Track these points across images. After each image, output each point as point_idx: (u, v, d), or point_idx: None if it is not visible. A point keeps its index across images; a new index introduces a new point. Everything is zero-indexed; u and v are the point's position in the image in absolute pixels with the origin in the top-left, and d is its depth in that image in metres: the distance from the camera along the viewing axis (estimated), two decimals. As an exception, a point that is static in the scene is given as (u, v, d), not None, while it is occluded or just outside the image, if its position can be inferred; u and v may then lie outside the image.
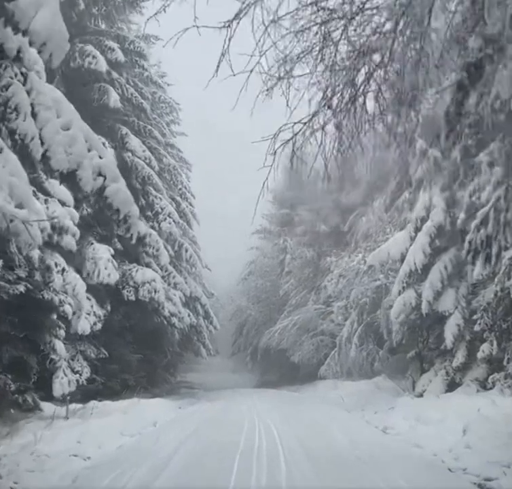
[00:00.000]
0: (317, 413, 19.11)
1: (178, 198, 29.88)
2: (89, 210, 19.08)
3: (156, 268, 23.65)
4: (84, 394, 17.38)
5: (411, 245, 18.66)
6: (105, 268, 18.63)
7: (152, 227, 23.46)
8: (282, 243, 38.94)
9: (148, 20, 7.15)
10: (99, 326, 17.93)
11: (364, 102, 7.34)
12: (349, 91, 7.15)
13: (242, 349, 45.09)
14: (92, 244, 19.40)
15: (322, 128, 7.64)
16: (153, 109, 28.90)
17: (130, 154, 23.06)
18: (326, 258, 29.62)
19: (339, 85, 7.22)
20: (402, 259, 18.97)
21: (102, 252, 18.93)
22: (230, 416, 18.82)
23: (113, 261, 19.22)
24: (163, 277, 24.35)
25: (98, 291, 19.08)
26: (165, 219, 24.72)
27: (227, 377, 50.41)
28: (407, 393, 19.63)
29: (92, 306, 17.71)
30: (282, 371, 39.33)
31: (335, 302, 26.92)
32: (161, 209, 24.77)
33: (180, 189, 30.13)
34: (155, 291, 21.51)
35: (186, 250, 28.04)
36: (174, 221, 25.30)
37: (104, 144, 18.20)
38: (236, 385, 40.26)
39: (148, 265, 22.88)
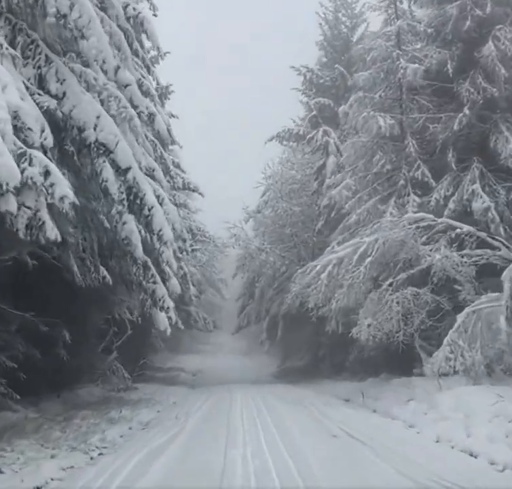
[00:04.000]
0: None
1: None
2: None
3: None
4: None
5: None
6: None
7: None
8: (321, 138, 22.74)
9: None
10: None
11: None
12: None
13: (252, 321, 29.30)
14: None
15: None
16: None
17: None
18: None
19: None
20: None
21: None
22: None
23: None
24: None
25: None
26: None
27: (235, 362, 40.88)
28: None
29: None
30: (316, 354, 27.23)
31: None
32: None
33: None
34: None
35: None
36: None
37: None
38: (243, 376, 29.36)
39: None
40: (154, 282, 12.68)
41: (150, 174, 14.45)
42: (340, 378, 23.31)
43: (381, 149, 16.33)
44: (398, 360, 18.65)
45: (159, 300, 12.70)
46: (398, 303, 13.53)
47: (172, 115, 27.60)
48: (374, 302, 13.09)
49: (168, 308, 12.68)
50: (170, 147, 26.63)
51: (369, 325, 13.92)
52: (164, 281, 15.06)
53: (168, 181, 24.10)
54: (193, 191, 26.61)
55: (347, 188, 16.89)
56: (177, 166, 26.77)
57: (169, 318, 13.11)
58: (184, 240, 19.69)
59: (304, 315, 26.46)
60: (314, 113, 24.80)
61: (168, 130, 19.20)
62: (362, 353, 22.26)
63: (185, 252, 20.29)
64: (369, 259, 12.90)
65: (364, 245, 13.02)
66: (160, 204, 13.32)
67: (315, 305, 14.90)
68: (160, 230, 11.61)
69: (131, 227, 11.82)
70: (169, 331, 13.78)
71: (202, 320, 25.80)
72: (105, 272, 12.25)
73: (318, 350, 27.33)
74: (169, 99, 26.87)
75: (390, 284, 13.15)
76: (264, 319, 29.38)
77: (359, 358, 22.69)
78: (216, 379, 28.25)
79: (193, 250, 24.11)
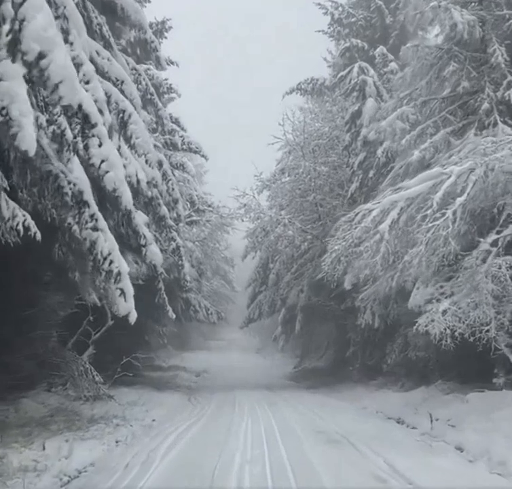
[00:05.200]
0: None
1: None
2: None
3: None
4: None
5: None
6: None
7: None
8: (356, 76, 17.64)
9: None
10: None
11: None
12: None
13: (265, 312, 24.31)
14: None
15: None
16: None
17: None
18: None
19: None
20: None
21: None
22: None
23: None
24: None
25: None
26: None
27: (245, 360, 38.21)
28: None
29: None
30: (341, 353, 22.79)
31: None
32: None
33: None
34: None
35: None
36: None
37: None
38: (254, 378, 25.57)
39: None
40: (94, 229, 7.71)
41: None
42: (375, 385, 18.48)
43: (456, 59, 11.22)
44: (465, 364, 13.68)
45: (104, 260, 7.76)
46: (494, 278, 8.46)
47: (171, 62, 22.74)
48: (466, 273, 8.05)
49: (118, 274, 7.74)
50: (167, 96, 21.78)
51: (444, 312, 8.89)
52: (140, 247, 10.18)
53: (161, 134, 19.23)
54: (195, 152, 21.73)
55: (403, 118, 11.80)
56: (176, 121, 21.90)
57: (122, 292, 8.12)
58: (175, 201, 14.79)
59: (328, 306, 21.71)
60: (347, 44, 19.75)
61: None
62: (406, 354, 17.28)
63: (177, 218, 15.35)
64: (460, 200, 7.85)
65: (451, 178, 7.98)
66: (124, 124, 8.39)
67: (360, 280, 9.91)
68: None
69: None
70: (134, 316, 8.82)
71: (204, 311, 20.93)
72: (26, 216, 7.31)
73: (344, 348, 22.38)
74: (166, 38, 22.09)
75: (495, 243, 8.07)
76: (279, 311, 24.30)
77: (402, 361, 17.70)
78: (221, 381, 24.46)
79: (191, 222, 19.26)
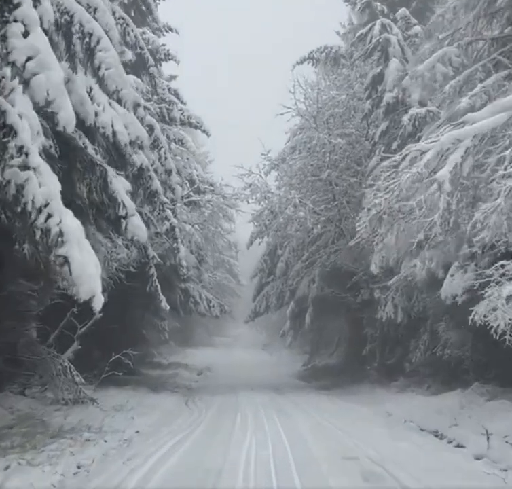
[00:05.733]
0: None
1: None
2: None
3: None
4: None
5: None
6: None
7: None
8: (378, 34, 15.43)
9: None
10: None
11: None
12: None
13: (272, 306, 22.19)
14: None
15: None
16: None
17: None
18: None
19: None
20: None
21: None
22: None
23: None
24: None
25: None
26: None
27: (251, 357, 36.54)
28: None
29: None
30: (356, 350, 20.44)
31: None
32: None
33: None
34: None
35: None
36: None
37: None
38: (260, 376, 23.78)
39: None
40: (24, 168, 5.44)
41: None
42: (397, 386, 16.47)
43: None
44: (506, 365, 11.59)
45: (39, 212, 5.54)
46: None
47: (169, 28, 20.66)
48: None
49: (59, 234, 5.53)
50: (164, 63, 19.66)
51: (509, 298, 6.76)
52: (120, 219, 8.08)
53: (157, 102, 17.16)
54: (196, 127, 19.64)
55: (445, 61, 9.61)
56: (175, 93, 19.82)
57: (66, 261, 5.88)
58: (168, 172, 12.71)
59: (343, 298, 19.59)
60: (368, -1, 17.52)
61: None
62: (434, 351, 15.19)
63: (171, 192, 13.28)
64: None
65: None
66: (91, 51, 6.25)
67: (389, 261, 7.76)
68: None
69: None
70: (99, 302, 6.60)
71: (205, 303, 18.86)
72: None
73: (358, 345, 20.26)
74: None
75: None
76: (287, 303, 22.15)
77: (428, 359, 15.62)
78: (224, 380, 22.51)
79: (190, 203, 17.13)
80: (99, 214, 8.70)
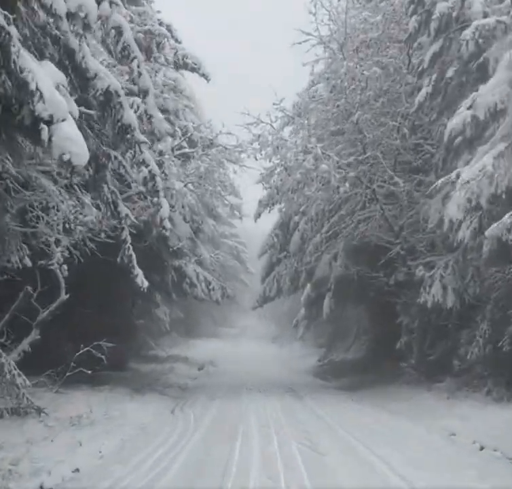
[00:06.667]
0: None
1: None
2: None
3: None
4: None
5: None
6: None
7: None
8: None
9: None
10: None
11: None
12: None
13: (285, 289, 18.64)
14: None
15: None
16: None
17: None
18: None
19: None
20: None
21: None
22: None
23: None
24: None
25: None
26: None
27: (259, 350, 34.25)
28: None
29: None
30: (388, 343, 16.38)
31: None
32: None
33: None
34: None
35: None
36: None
37: None
38: (269, 372, 21.02)
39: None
40: None
41: None
42: (444, 389, 13.03)
43: None
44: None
45: None
46: None
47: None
48: None
49: None
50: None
51: None
52: (37, 122, 4.57)
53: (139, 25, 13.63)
54: (192, 70, 16.10)
55: None
56: (168, 28, 16.26)
57: None
58: (144, 93, 9.24)
59: (373, 278, 15.96)
60: None
61: None
62: (499, 346, 11.63)
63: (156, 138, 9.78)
64: None
65: None
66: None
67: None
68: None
69: None
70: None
71: (203, 285, 15.42)
72: None
73: (390, 336, 16.66)
74: None
75: None
76: (303, 286, 18.53)
77: (487, 355, 12.06)
78: (228, 378, 19.94)
79: (182, 155, 13.58)
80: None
